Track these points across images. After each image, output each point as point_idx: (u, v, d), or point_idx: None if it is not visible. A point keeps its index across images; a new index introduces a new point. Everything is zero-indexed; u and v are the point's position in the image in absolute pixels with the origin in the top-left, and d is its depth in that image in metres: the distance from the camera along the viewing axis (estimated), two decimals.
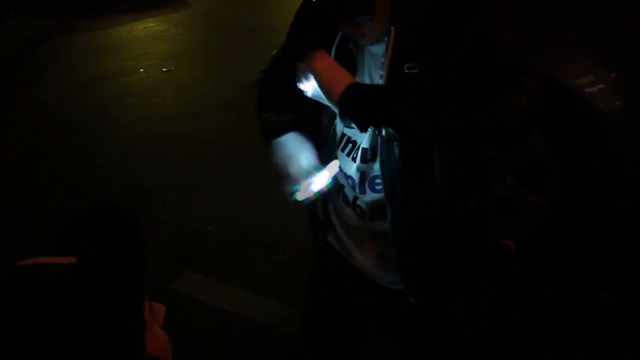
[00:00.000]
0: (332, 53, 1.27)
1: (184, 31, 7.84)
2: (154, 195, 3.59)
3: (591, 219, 2.63)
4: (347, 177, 1.34)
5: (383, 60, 1.20)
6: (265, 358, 2.34)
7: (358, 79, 1.24)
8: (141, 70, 6.17)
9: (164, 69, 6.12)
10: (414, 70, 1.16)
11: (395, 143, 1.21)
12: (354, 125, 1.19)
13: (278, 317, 2.51)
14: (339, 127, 1.33)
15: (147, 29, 7.90)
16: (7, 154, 4.42)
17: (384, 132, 1.21)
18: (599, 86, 2.44)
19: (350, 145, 1.32)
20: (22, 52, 7.34)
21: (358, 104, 1.16)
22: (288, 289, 2.61)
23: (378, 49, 1.22)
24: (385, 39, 1.19)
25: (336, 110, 1.22)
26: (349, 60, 1.26)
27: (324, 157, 1.35)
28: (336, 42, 1.27)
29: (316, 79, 1.23)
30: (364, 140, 1.28)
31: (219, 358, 2.32)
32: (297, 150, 1.34)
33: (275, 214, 3.26)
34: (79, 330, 0.67)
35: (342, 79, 1.19)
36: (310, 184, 1.31)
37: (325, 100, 1.24)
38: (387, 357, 2.04)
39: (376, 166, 1.27)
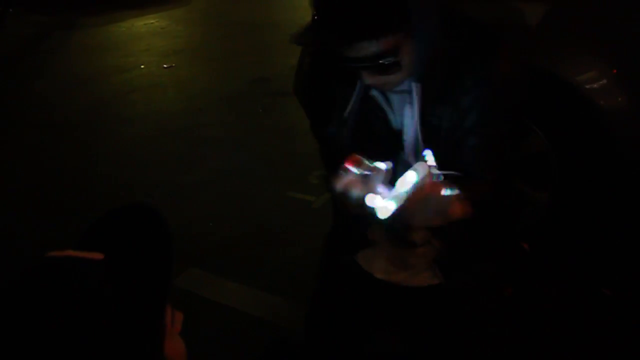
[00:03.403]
0: (354, 101, 1.24)
1: (184, 27, 7.83)
2: (155, 192, 3.59)
3: (592, 215, 2.63)
4: None
5: (410, 104, 1.21)
6: (267, 354, 2.34)
7: (392, 118, 1.24)
8: (142, 66, 6.17)
9: (165, 66, 6.12)
10: (435, 122, 1.19)
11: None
12: None
13: (280, 313, 2.51)
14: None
15: (147, 26, 7.90)
16: (8, 149, 4.42)
17: None
18: (600, 82, 2.44)
19: None
20: (22, 49, 7.33)
21: None
22: (290, 285, 2.62)
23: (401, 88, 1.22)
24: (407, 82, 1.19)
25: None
26: (375, 106, 1.24)
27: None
28: (356, 92, 1.24)
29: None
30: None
31: (220, 353, 2.33)
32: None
33: (276, 210, 3.27)
34: (102, 325, 0.68)
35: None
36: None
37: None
38: (391, 353, 2.04)
39: None
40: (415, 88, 1.16)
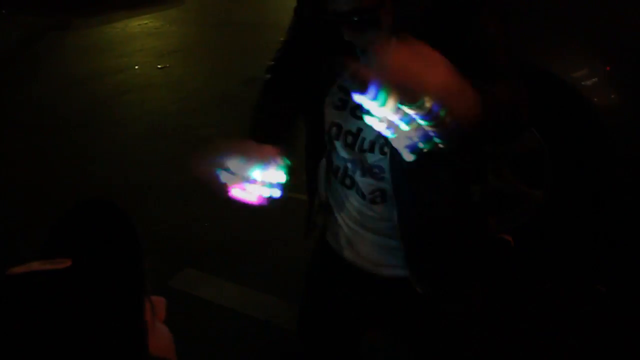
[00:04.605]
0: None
1: (179, 28, 7.82)
2: (150, 192, 3.59)
3: (587, 211, 2.64)
4: (345, 160, 1.34)
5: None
6: (262, 354, 2.34)
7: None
8: (136, 67, 6.16)
9: (159, 66, 6.11)
10: None
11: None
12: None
13: (276, 313, 2.51)
14: (328, 116, 1.33)
15: (141, 26, 7.88)
16: (2, 151, 4.41)
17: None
18: (594, 79, 2.45)
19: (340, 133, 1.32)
20: (15, 50, 7.30)
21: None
22: (285, 285, 2.62)
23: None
24: None
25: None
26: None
27: (315, 149, 1.39)
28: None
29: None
30: (366, 131, 1.28)
31: (216, 353, 2.32)
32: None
33: (273, 210, 3.26)
34: (78, 339, 0.65)
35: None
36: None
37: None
38: (383, 351, 2.05)
39: (374, 157, 1.27)
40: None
